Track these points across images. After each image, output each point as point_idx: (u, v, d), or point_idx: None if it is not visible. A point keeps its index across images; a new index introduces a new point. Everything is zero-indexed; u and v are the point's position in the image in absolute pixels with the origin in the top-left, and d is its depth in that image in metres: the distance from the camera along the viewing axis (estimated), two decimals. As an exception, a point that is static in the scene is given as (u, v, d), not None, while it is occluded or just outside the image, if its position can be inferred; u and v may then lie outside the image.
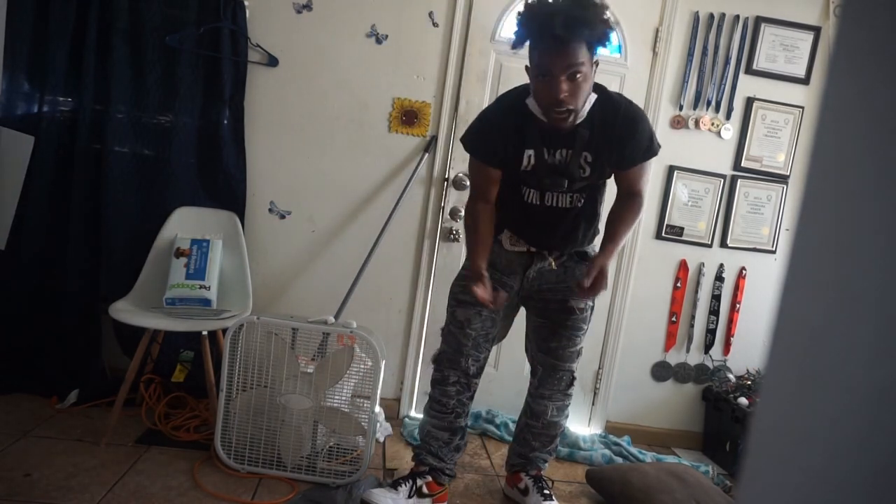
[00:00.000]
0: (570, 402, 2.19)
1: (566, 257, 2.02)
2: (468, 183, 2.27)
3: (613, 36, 1.76)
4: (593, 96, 1.80)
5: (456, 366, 2.06)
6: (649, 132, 1.89)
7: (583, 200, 1.95)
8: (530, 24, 1.68)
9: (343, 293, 2.54)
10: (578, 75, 1.68)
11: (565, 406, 2.17)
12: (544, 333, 2.08)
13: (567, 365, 2.10)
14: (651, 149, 1.90)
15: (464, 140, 1.99)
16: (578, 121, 1.79)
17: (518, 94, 1.90)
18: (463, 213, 2.11)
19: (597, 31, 1.66)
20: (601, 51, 1.82)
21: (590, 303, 2.07)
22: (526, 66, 1.78)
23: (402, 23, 2.71)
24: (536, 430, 2.17)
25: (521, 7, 1.73)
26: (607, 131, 1.83)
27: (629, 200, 1.94)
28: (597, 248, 2.01)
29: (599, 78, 2.81)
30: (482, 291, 1.88)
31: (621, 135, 1.84)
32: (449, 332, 2.08)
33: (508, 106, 1.91)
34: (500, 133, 1.89)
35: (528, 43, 1.73)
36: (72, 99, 2.57)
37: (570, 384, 2.13)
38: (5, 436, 2.21)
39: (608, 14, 1.69)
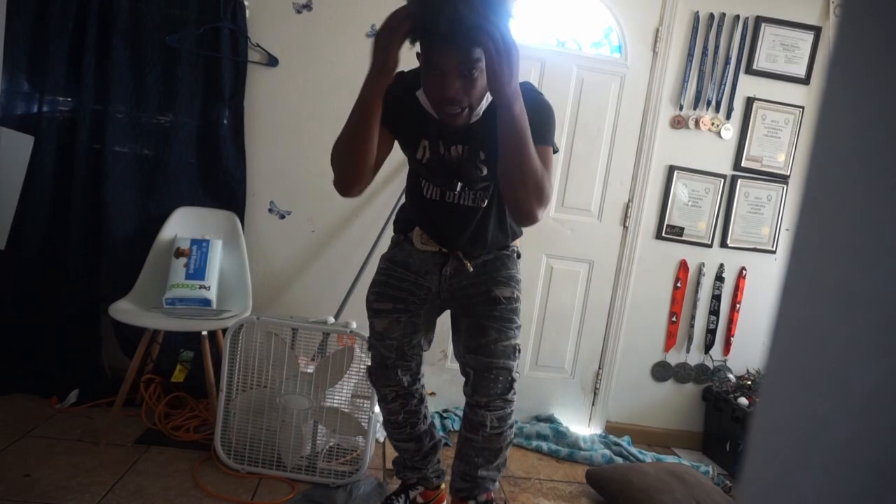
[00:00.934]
0: (513, 410, 1.83)
1: (482, 256, 1.81)
2: None
3: (512, 26, 1.44)
4: (489, 95, 1.54)
5: (387, 381, 1.90)
6: (546, 118, 1.61)
7: (486, 200, 1.74)
8: (419, 18, 1.43)
9: (343, 293, 2.54)
10: (474, 72, 1.46)
11: (507, 415, 1.80)
12: (472, 331, 1.80)
13: (501, 362, 1.76)
14: (545, 135, 1.59)
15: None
16: (474, 119, 1.58)
17: (414, 77, 1.66)
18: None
19: (489, 24, 1.40)
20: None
21: (518, 294, 1.82)
22: (417, 53, 1.54)
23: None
24: (477, 444, 1.82)
25: None
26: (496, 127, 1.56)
27: (505, 214, 1.76)
28: (517, 248, 1.87)
29: (600, 78, 2.86)
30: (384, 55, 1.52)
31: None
32: (372, 346, 1.92)
33: (410, 84, 1.66)
34: (403, 103, 1.64)
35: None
36: (72, 99, 2.57)
37: (509, 387, 1.78)
38: (5, 436, 2.21)
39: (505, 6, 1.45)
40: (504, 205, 1.74)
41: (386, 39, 1.51)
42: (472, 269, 1.79)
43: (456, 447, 1.92)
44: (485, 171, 1.68)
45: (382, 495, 2.13)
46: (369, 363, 1.95)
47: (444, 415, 2.82)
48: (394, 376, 1.89)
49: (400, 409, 1.93)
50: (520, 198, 1.56)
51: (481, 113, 1.59)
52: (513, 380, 1.78)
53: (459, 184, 1.70)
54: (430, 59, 1.50)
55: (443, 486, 2.11)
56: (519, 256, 1.90)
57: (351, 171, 1.62)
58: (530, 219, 1.60)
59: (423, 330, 1.91)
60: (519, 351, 1.80)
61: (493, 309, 1.78)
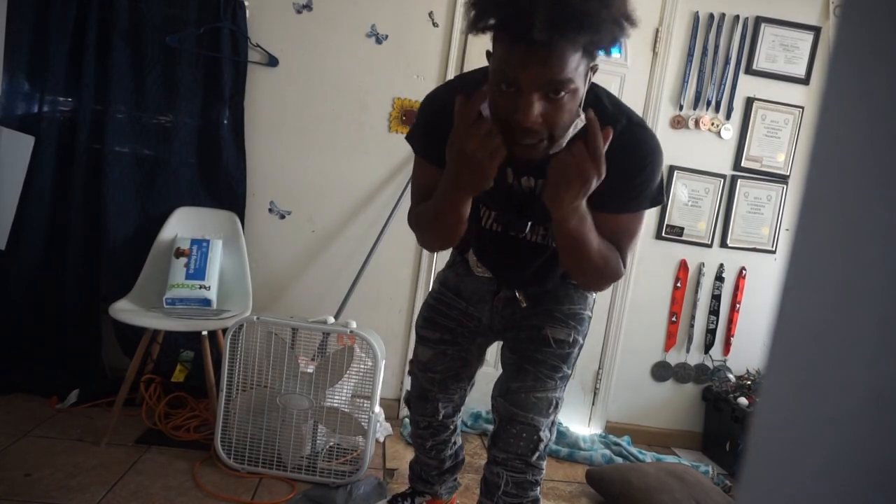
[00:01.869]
0: (538, 482, 1.54)
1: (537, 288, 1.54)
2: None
3: (626, 36, 1.11)
4: (581, 120, 1.19)
5: (424, 412, 1.74)
6: (658, 171, 1.31)
7: (547, 239, 1.45)
8: (497, 8, 1.07)
9: (343, 293, 2.54)
10: (563, 94, 1.10)
11: (529, 483, 1.51)
12: (509, 371, 1.53)
13: (529, 416, 1.45)
14: (650, 196, 1.32)
15: (410, 132, 1.47)
16: (554, 151, 1.19)
17: (479, 81, 1.26)
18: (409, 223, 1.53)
19: (603, 33, 1.07)
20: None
21: (578, 338, 1.52)
22: (487, 52, 1.16)
23: (402, 23, 2.71)
24: None
25: None
26: None
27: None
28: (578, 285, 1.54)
29: (599, 78, 2.82)
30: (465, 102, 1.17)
31: (612, 164, 1.17)
32: (413, 373, 1.75)
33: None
34: (448, 126, 1.21)
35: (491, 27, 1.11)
36: (72, 99, 2.57)
37: (534, 448, 1.48)
38: (5, 436, 2.21)
39: (624, 5, 1.09)
40: None
41: (480, 141, 1.15)
42: (524, 305, 1.53)
43: None
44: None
45: (382, 495, 2.13)
46: (408, 389, 1.81)
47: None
48: (432, 408, 1.73)
49: (430, 437, 1.80)
50: (580, 280, 1.41)
51: (564, 145, 1.20)
52: (539, 440, 1.47)
53: (529, 223, 1.39)
54: (505, 70, 1.10)
55: (454, 497, 2.06)
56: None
57: (441, 242, 1.45)
58: (610, 281, 1.38)
59: (475, 364, 1.72)
60: (556, 407, 1.50)
61: (537, 350, 1.49)
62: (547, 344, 1.49)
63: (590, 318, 1.57)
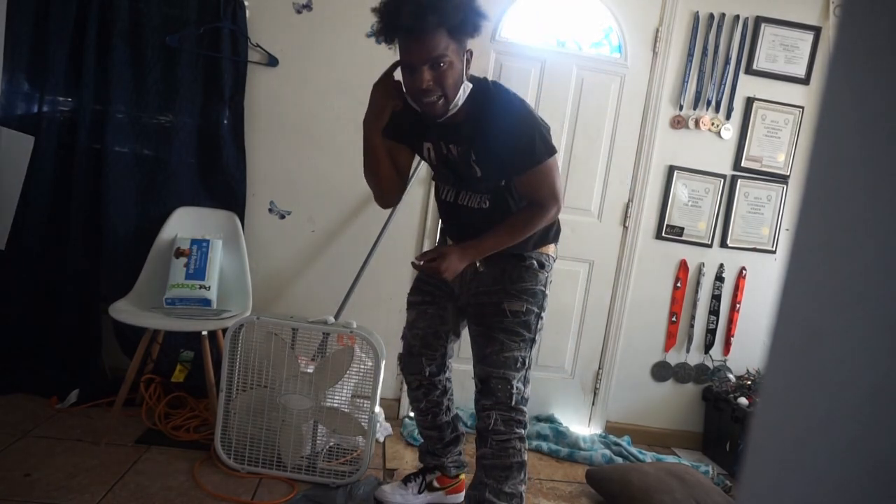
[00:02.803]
0: (524, 422, 1.84)
1: (496, 259, 1.82)
2: None
3: (481, 23, 1.59)
4: (468, 85, 1.66)
5: (412, 369, 2.03)
6: (529, 135, 1.66)
7: (488, 202, 1.79)
8: (384, 18, 1.56)
9: (343, 293, 2.54)
10: (441, 64, 1.56)
11: (514, 420, 1.81)
12: (480, 341, 1.86)
13: (501, 371, 1.80)
14: (533, 155, 1.67)
15: None
16: (452, 110, 1.64)
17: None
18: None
19: (451, 17, 1.53)
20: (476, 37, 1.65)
21: (532, 307, 1.82)
22: (400, 61, 1.66)
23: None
24: (487, 459, 1.82)
25: None
26: (486, 128, 1.68)
27: (525, 208, 1.77)
28: (543, 254, 1.86)
29: (600, 78, 2.85)
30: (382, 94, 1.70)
31: (496, 136, 1.67)
32: (404, 335, 2.07)
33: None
34: (403, 115, 1.75)
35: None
36: (72, 99, 2.57)
37: (511, 396, 1.80)
38: (5, 436, 2.21)
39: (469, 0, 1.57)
40: (505, 209, 1.79)
41: (380, 91, 1.70)
42: (481, 269, 1.83)
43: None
44: (479, 172, 1.74)
45: (382, 495, 2.14)
46: (400, 352, 2.08)
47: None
48: (418, 364, 2.01)
49: (423, 397, 2.04)
50: (521, 243, 1.78)
51: (459, 104, 1.66)
52: (513, 388, 1.80)
53: (457, 179, 1.78)
54: (403, 60, 1.61)
55: (462, 476, 2.18)
56: (542, 266, 1.86)
57: (377, 189, 1.86)
58: (545, 225, 1.80)
59: (451, 323, 2.00)
60: (523, 363, 1.82)
61: (501, 321, 1.81)
62: (506, 315, 1.81)
63: (543, 291, 1.86)
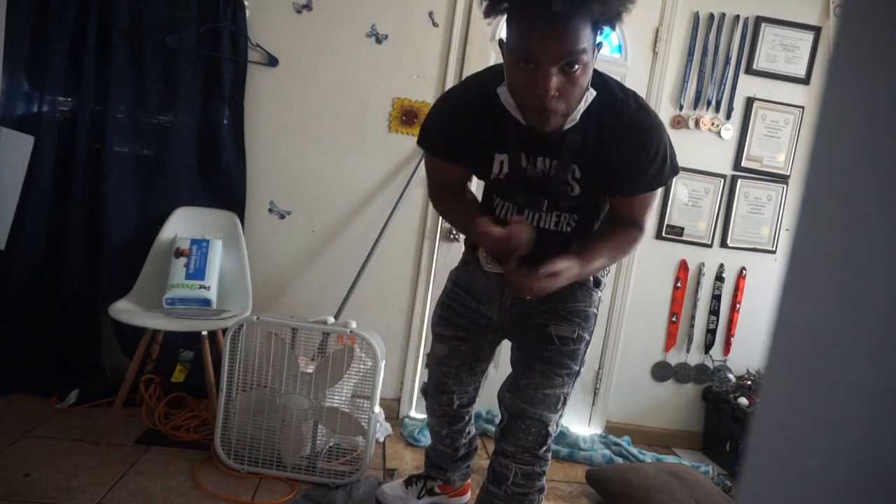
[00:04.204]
0: (545, 472, 1.59)
1: None
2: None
3: (626, 14, 1.22)
4: (591, 93, 1.33)
5: (440, 402, 1.83)
6: (664, 152, 1.38)
7: (574, 224, 1.50)
8: None
9: (343, 293, 2.54)
10: (577, 67, 1.20)
11: (536, 474, 1.57)
12: (517, 368, 1.59)
13: (537, 412, 1.51)
14: (662, 174, 1.41)
15: (420, 132, 1.56)
16: (569, 125, 1.32)
17: (492, 76, 1.40)
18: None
19: (612, 5, 1.17)
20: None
21: (584, 334, 1.55)
22: (500, 41, 1.28)
23: (402, 23, 2.71)
24: (498, 501, 1.60)
25: None
26: (605, 143, 1.36)
27: (624, 227, 1.50)
28: (594, 275, 1.58)
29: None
30: (500, 235, 1.34)
31: (623, 151, 1.36)
32: (430, 367, 1.84)
33: (478, 91, 1.41)
34: (463, 125, 1.43)
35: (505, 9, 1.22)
36: (72, 99, 2.57)
37: (543, 442, 1.53)
38: (5, 436, 2.21)
39: None
40: (590, 230, 1.54)
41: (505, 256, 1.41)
42: (529, 297, 1.52)
43: (476, 498, 1.74)
44: (576, 191, 1.43)
45: (382, 495, 2.14)
46: (425, 381, 1.90)
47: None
48: (447, 399, 1.82)
49: (446, 425, 1.89)
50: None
51: (578, 117, 1.32)
52: (547, 434, 1.54)
53: (546, 201, 1.44)
54: (523, 49, 1.20)
55: (467, 483, 2.15)
56: (598, 284, 1.60)
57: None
58: None
59: (488, 359, 1.80)
60: (563, 402, 1.55)
61: (544, 348, 1.54)
62: (552, 342, 1.52)
63: (595, 315, 1.60)
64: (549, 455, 1.59)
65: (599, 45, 1.26)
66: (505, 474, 1.56)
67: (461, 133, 1.44)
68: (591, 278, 1.57)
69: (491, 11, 1.21)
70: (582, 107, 1.32)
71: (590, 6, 1.13)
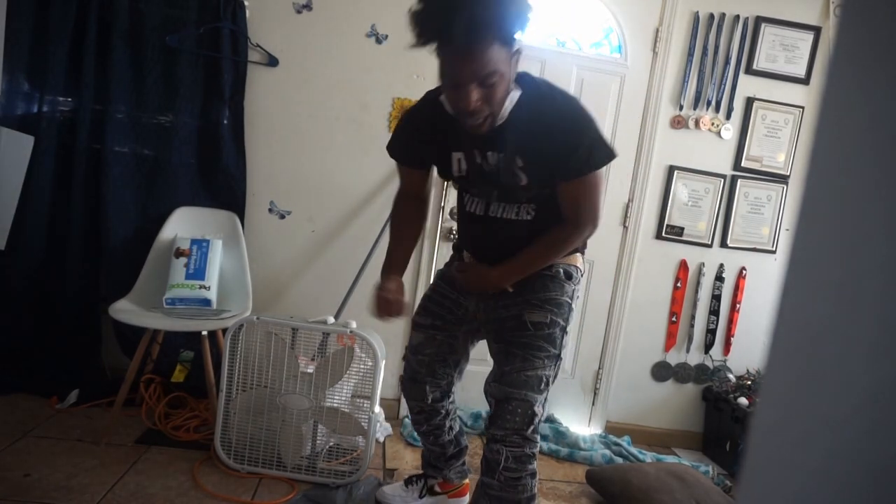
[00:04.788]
0: (536, 453, 1.67)
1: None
2: None
3: (531, 17, 1.41)
4: (516, 93, 1.51)
5: (414, 395, 1.89)
6: (590, 138, 1.51)
7: (532, 213, 1.63)
8: (428, 26, 1.37)
9: (343, 293, 2.54)
10: (493, 80, 1.40)
11: (527, 456, 1.63)
12: (499, 358, 1.70)
13: (521, 393, 1.61)
14: (592, 158, 1.52)
15: (389, 145, 1.77)
16: (499, 122, 1.51)
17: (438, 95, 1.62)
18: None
19: (509, 28, 1.38)
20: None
21: (557, 319, 1.65)
22: (440, 69, 1.48)
23: (402, 23, 2.68)
24: (493, 490, 1.65)
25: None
26: (538, 134, 1.51)
27: (558, 227, 1.62)
28: (571, 265, 1.72)
29: (600, 78, 2.86)
30: (382, 301, 1.66)
31: (553, 139, 1.50)
32: (407, 358, 1.91)
33: (431, 102, 1.63)
34: (419, 132, 1.66)
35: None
36: (72, 99, 2.57)
37: (529, 421, 1.62)
38: (5, 436, 2.21)
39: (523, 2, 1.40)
40: (551, 219, 1.64)
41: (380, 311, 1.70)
42: (511, 289, 1.67)
43: (472, 496, 1.79)
44: (524, 180, 1.57)
45: (382, 495, 2.14)
46: (402, 373, 1.96)
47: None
48: (421, 391, 1.87)
49: (424, 421, 1.94)
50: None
51: (506, 115, 1.51)
52: (533, 414, 1.62)
53: (496, 191, 1.62)
54: (445, 73, 1.43)
55: (466, 481, 2.15)
56: (570, 277, 1.71)
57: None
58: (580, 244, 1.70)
59: (461, 350, 1.86)
60: (546, 384, 1.65)
61: (522, 335, 1.65)
62: (527, 328, 1.65)
63: (569, 304, 1.71)
64: (538, 438, 1.67)
65: (518, 52, 1.46)
66: (497, 459, 1.63)
67: (416, 139, 1.68)
68: (562, 271, 1.70)
69: (417, 45, 1.42)
70: (508, 105, 1.51)
71: (486, 33, 1.34)
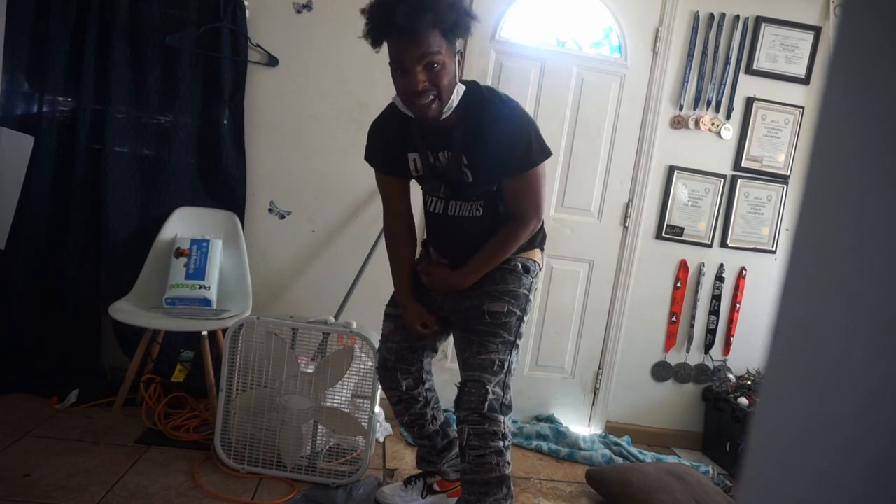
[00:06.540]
0: (500, 432, 1.71)
1: None
2: None
3: (472, 25, 1.58)
4: (461, 87, 1.64)
5: (388, 384, 1.96)
6: (527, 137, 1.65)
7: (481, 209, 1.76)
8: (376, 17, 1.54)
9: (343, 293, 2.54)
10: (435, 65, 1.54)
11: (487, 433, 1.69)
12: (461, 345, 1.82)
13: (475, 374, 1.71)
14: (530, 156, 1.66)
15: (366, 154, 1.92)
16: (447, 112, 1.62)
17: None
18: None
19: (445, 16, 1.51)
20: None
21: (514, 310, 1.77)
22: (390, 64, 1.62)
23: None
24: (467, 476, 1.75)
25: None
26: (480, 134, 1.65)
27: (506, 225, 1.75)
28: (529, 259, 1.84)
29: (600, 78, 2.86)
30: (415, 323, 1.85)
31: (493, 139, 1.64)
32: (379, 348, 2.00)
33: (390, 109, 1.78)
34: (383, 137, 1.81)
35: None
36: (72, 99, 2.57)
37: (484, 400, 1.69)
38: (5, 436, 2.21)
39: (460, 1, 1.57)
40: (496, 215, 1.76)
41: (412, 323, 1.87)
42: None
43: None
44: (470, 177, 1.70)
45: (382, 495, 2.14)
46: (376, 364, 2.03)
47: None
48: (394, 379, 1.94)
49: (404, 411, 1.99)
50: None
51: (454, 107, 1.63)
52: (486, 392, 1.69)
53: (443, 186, 1.75)
54: (393, 58, 1.57)
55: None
56: (527, 271, 1.82)
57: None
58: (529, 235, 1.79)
59: (429, 338, 1.94)
60: (501, 366, 1.73)
61: (480, 323, 1.76)
62: (485, 317, 1.76)
63: (526, 295, 1.82)
64: (499, 417, 1.72)
65: (460, 53, 1.62)
66: (463, 439, 1.73)
67: (380, 144, 1.82)
68: (520, 265, 1.81)
69: (374, 43, 1.58)
70: (455, 98, 1.62)
71: (426, 17, 1.48)
